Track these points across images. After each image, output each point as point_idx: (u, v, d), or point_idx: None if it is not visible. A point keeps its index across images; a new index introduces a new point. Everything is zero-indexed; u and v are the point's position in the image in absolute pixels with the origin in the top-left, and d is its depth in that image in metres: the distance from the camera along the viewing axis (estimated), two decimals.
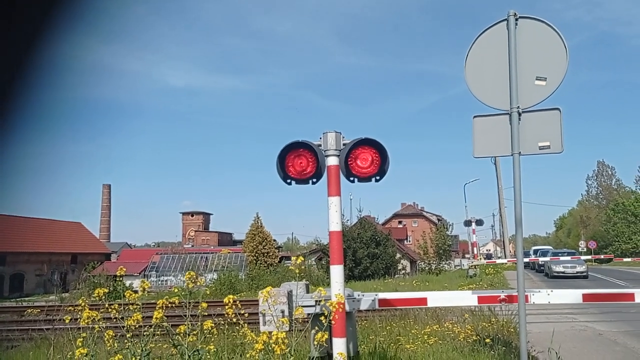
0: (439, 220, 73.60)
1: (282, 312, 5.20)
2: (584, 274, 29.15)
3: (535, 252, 41.17)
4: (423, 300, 5.81)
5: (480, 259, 36.67)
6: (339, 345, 4.49)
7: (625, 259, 44.16)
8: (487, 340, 6.23)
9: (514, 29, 5.61)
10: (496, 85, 5.66)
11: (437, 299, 5.92)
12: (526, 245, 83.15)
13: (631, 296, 5.97)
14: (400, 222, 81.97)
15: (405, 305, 6.21)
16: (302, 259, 4.83)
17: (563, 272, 29.03)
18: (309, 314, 4.90)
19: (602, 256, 47.55)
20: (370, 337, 6.87)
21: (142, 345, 3.53)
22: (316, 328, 5.32)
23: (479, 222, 30.17)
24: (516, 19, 5.64)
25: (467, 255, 43.45)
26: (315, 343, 3.67)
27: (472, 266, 27.26)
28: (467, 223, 31.07)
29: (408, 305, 6.34)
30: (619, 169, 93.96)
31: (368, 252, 32.53)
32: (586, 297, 6.05)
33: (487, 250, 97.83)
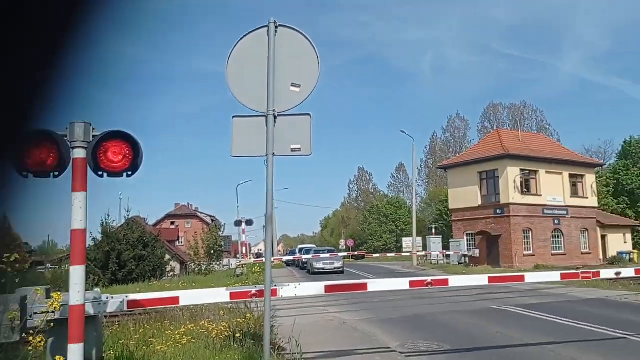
0: (212, 220, 73.78)
1: (12, 320, 4.68)
2: (341, 269, 31.97)
3: (300, 250, 43.93)
4: (175, 300, 5.75)
5: (250, 258, 37.81)
6: (75, 352, 4.15)
7: (375, 255, 49.80)
8: (237, 335, 6.42)
9: (274, 36, 5.86)
10: (255, 87, 5.85)
11: (190, 297, 5.91)
12: (294, 244, 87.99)
13: (364, 286, 6.71)
14: (172, 223, 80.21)
15: (157, 306, 6.07)
16: (18, 256, 4.37)
17: (323, 269, 31.45)
18: (49, 321, 4.50)
19: (356, 253, 52.88)
20: (121, 341, 6.55)
21: None
22: (53, 336, 4.90)
23: (249, 222, 31.16)
24: (276, 27, 5.89)
25: (238, 255, 44.34)
26: (31, 348, 3.34)
27: (239, 265, 28.00)
28: (238, 223, 31.84)
29: (160, 305, 6.21)
30: (375, 175, 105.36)
31: (134, 254, 31.11)
32: (328, 289, 6.61)
33: (259, 249, 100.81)
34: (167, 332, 7.09)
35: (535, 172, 38.99)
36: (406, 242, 51.03)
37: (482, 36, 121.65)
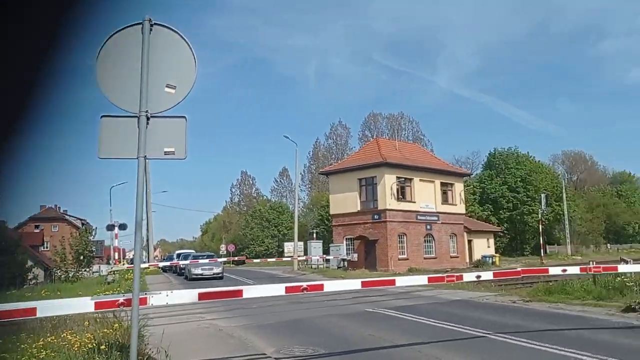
0: (83, 224, 69.53)
1: None
2: (220, 275, 31.38)
3: (179, 255, 42.60)
4: (31, 311, 5.29)
5: (124, 264, 36.00)
6: None
7: (255, 260, 49.67)
8: (103, 347, 6.06)
9: (149, 35, 5.60)
10: (127, 87, 5.56)
11: (48, 308, 5.47)
12: (173, 249, 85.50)
13: (239, 292, 6.62)
14: (37, 227, 74.27)
15: (8, 318, 5.53)
16: None
17: (201, 275, 30.60)
18: None
19: (236, 258, 52.45)
20: None
21: None
22: None
23: (122, 227, 29.59)
24: (151, 25, 5.63)
25: (111, 261, 42.13)
26: None
27: (110, 272, 26.53)
28: (110, 227, 30.21)
29: (13, 317, 5.67)
30: (258, 179, 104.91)
31: None
32: (201, 296, 6.44)
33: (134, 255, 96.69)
34: (22, 346, 6.51)
35: (410, 180, 41.06)
36: (288, 246, 51.40)
37: (365, 47, 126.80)
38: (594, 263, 16.14)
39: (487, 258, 44.82)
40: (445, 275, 8.64)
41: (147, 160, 5.65)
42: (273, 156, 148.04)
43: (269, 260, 48.11)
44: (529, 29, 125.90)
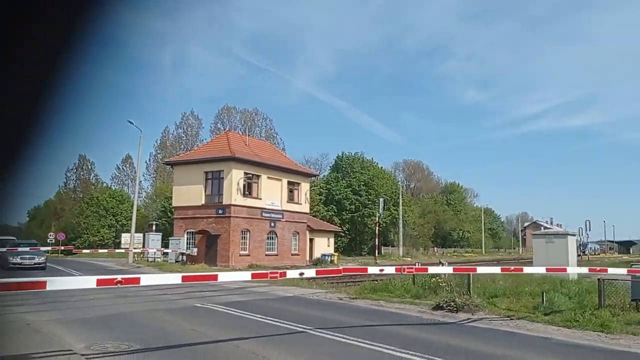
0: None
1: None
2: (42, 265, 29.07)
3: None
4: None
5: None
6: None
7: (85, 250, 46.71)
8: None
9: None
10: None
11: None
12: None
13: (43, 284, 6.10)
14: None
15: None
16: None
17: (20, 264, 28.19)
18: None
19: (62, 248, 48.95)
20: None
21: None
22: None
23: None
24: None
25: None
26: None
27: None
28: None
29: None
30: (98, 165, 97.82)
31: None
32: None
33: None
34: None
35: (258, 176, 41.24)
36: (125, 238, 48.95)
37: (225, 40, 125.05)
38: (420, 264, 17.50)
39: (327, 257, 46.52)
40: (268, 272, 8.75)
41: None
42: (117, 142, 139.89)
43: (100, 251, 45.36)
44: (383, 41, 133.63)
